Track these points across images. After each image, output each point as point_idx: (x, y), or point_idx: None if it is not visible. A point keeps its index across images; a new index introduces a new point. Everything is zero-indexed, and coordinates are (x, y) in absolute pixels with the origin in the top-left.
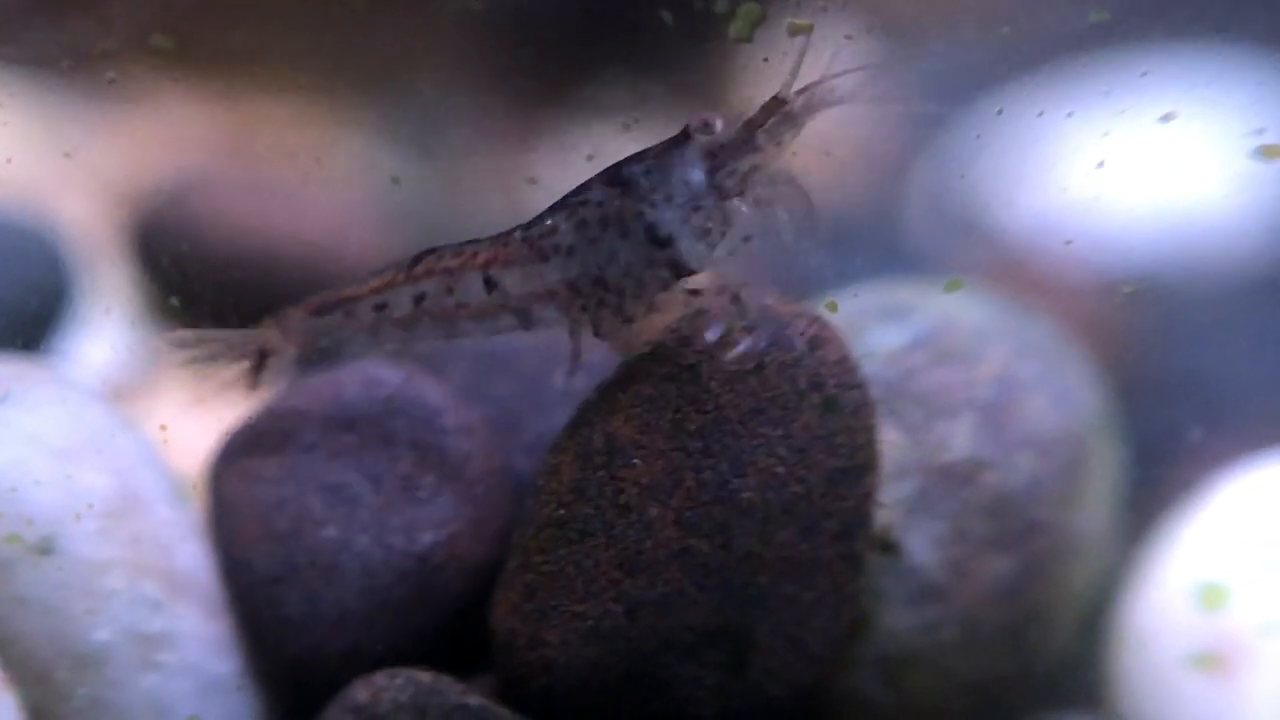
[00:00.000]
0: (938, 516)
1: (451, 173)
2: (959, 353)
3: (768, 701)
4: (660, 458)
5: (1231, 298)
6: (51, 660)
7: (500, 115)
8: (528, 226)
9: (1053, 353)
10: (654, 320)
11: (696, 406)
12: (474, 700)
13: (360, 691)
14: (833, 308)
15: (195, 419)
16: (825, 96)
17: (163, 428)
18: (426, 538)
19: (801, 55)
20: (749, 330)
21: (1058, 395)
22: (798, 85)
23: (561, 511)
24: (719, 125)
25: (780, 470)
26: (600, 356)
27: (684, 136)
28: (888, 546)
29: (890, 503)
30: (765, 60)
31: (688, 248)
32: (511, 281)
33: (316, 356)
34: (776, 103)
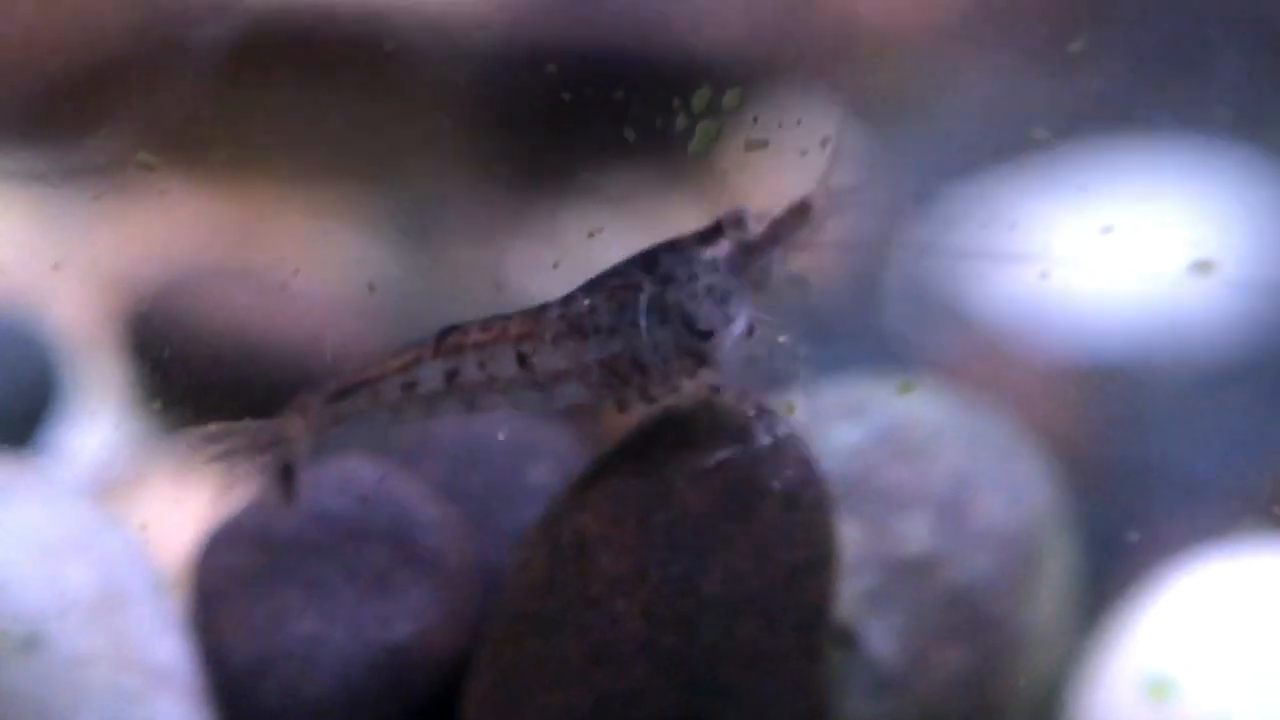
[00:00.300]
0: (896, 610)
1: (440, 263)
2: (916, 450)
3: None
4: (627, 553)
5: (1184, 390)
6: None
7: (489, 206)
8: (564, 303)
9: (1007, 449)
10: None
11: (662, 503)
12: None
13: None
14: (790, 409)
15: (179, 514)
16: (845, 203)
17: (143, 527)
18: (401, 630)
19: (831, 162)
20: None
21: (1012, 491)
22: (822, 190)
23: (532, 604)
24: (750, 222)
25: (742, 565)
26: (569, 448)
27: (716, 230)
28: (847, 639)
29: (850, 596)
30: (804, 154)
31: (719, 341)
32: (545, 358)
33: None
34: (804, 207)
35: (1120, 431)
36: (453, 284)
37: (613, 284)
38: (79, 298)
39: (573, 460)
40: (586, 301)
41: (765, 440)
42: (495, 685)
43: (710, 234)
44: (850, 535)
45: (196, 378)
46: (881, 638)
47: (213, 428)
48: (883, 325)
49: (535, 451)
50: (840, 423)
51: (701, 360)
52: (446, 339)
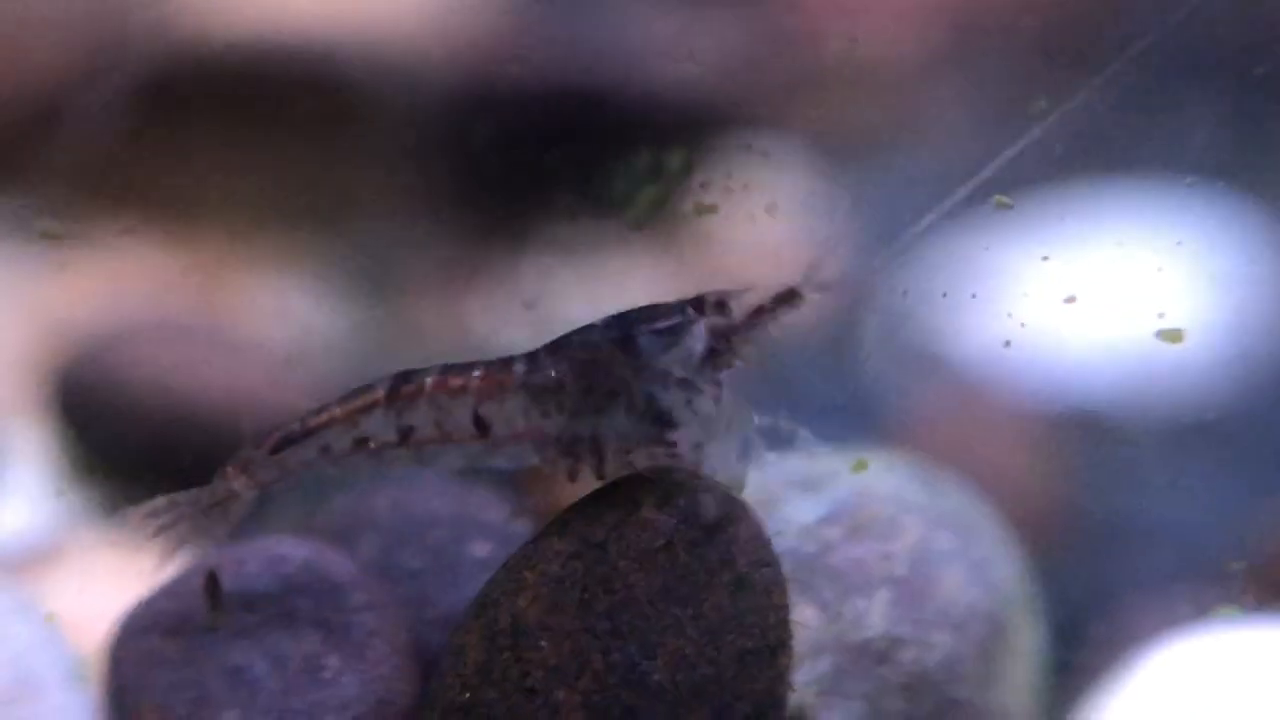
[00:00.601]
0: (853, 696)
1: (393, 313)
2: (874, 526)
3: None
4: (567, 639)
5: (1155, 456)
6: None
7: (444, 257)
8: (529, 361)
9: (970, 524)
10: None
11: (604, 586)
12: None
13: None
14: (741, 485)
15: (101, 593)
16: (823, 286)
17: (50, 616)
18: None
19: (821, 249)
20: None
21: (975, 568)
22: (810, 281)
23: (466, 695)
24: (734, 308)
25: (690, 651)
26: (512, 521)
27: (697, 310)
28: None
29: (804, 683)
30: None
31: (683, 429)
32: (502, 420)
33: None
34: (791, 295)
35: (1090, 500)
36: (406, 334)
37: (581, 357)
38: (8, 360)
39: (517, 534)
40: (553, 372)
41: (716, 517)
42: None
43: (688, 315)
44: (805, 617)
45: (124, 441)
46: None
47: (158, 501)
48: (847, 392)
49: (477, 524)
50: (797, 497)
51: (663, 442)
52: (401, 387)
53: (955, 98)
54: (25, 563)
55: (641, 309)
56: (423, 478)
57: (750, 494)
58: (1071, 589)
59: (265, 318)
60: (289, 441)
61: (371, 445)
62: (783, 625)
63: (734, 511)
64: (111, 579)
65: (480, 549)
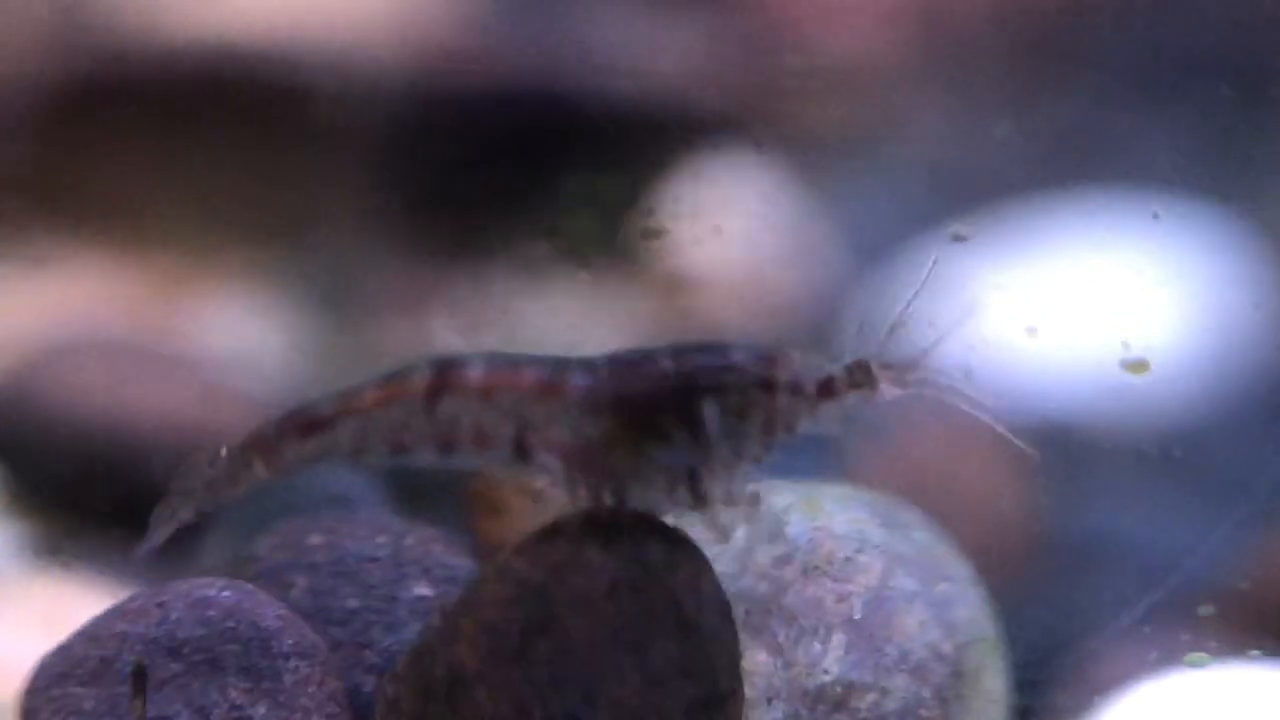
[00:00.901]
0: None
1: (354, 328)
2: (832, 566)
3: None
4: (506, 689)
5: (1120, 488)
6: None
7: (402, 272)
8: (589, 381)
9: (930, 562)
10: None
11: (544, 632)
12: None
13: None
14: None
15: (14, 642)
16: (909, 385)
17: None
18: None
19: (896, 326)
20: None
21: (935, 608)
22: (883, 361)
23: None
24: (806, 382)
25: (635, 701)
26: (455, 561)
27: (769, 379)
28: None
29: None
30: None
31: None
32: (544, 429)
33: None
34: (863, 372)
35: (1055, 535)
36: (362, 351)
37: (641, 389)
38: None
39: (459, 571)
40: (612, 395)
41: (662, 558)
42: None
43: (756, 379)
44: (757, 662)
45: (52, 469)
46: None
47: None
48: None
49: (418, 562)
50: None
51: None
52: (445, 377)
53: (925, 104)
54: None
55: (713, 353)
56: (359, 513)
57: (701, 532)
58: (1036, 628)
59: (216, 335)
60: (317, 426)
61: (406, 439)
62: (733, 671)
63: (682, 552)
64: (36, 620)
65: (421, 588)
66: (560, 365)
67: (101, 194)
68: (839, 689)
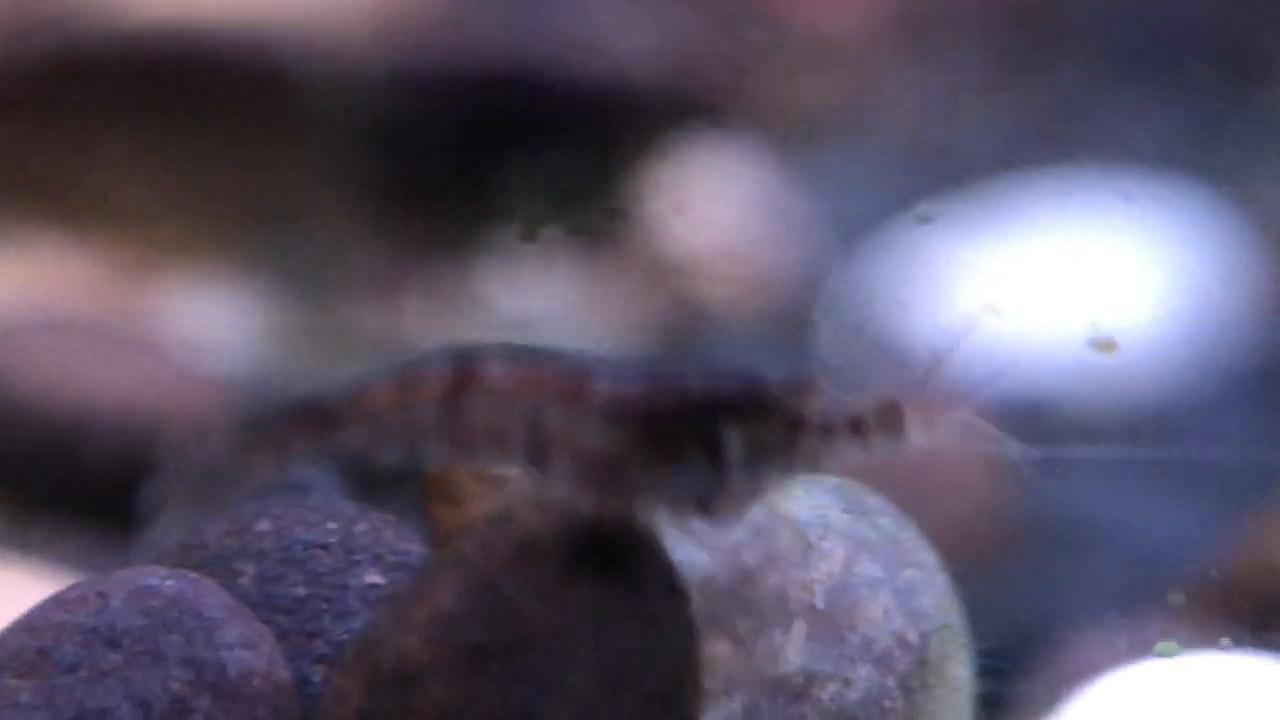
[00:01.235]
0: None
1: (324, 316)
2: (795, 552)
3: None
4: (458, 682)
5: (1090, 476)
6: None
7: (378, 257)
8: (614, 387)
9: (895, 549)
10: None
11: (498, 623)
12: None
13: None
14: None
15: None
16: (937, 434)
17: None
18: None
19: (936, 365)
20: None
21: (900, 596)
22: (915, 402)
23: None
24: (839, 427)
25: (592, 694)
26: (409, 547)
27: (799, 418)
28: None
29: None
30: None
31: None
32: (561, 432)
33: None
34: (894, 415)
35: (1023, 522)
36: (337, 336)
37: (667, 405)
38: None
39: (412, 558)
40: (640, 405)
41: (620, 546)
42: None
43: (787, 416)
44: (718, 652)
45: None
46: None
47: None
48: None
49: (369, 551)
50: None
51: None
52: (465, 373)
53: (903, 81)
54: None
55: (744, 378)
56: (310, 498)
57: (661, 519)
58: (1003, 616)
59: (184, 319)
60: (330, 423)
61: (421, 440)
62: (693, 662)
63: (640, 540)
64: None
65: (372, 575)
66: (583, 364)
67: (66, 176)
68: (800, 679)
